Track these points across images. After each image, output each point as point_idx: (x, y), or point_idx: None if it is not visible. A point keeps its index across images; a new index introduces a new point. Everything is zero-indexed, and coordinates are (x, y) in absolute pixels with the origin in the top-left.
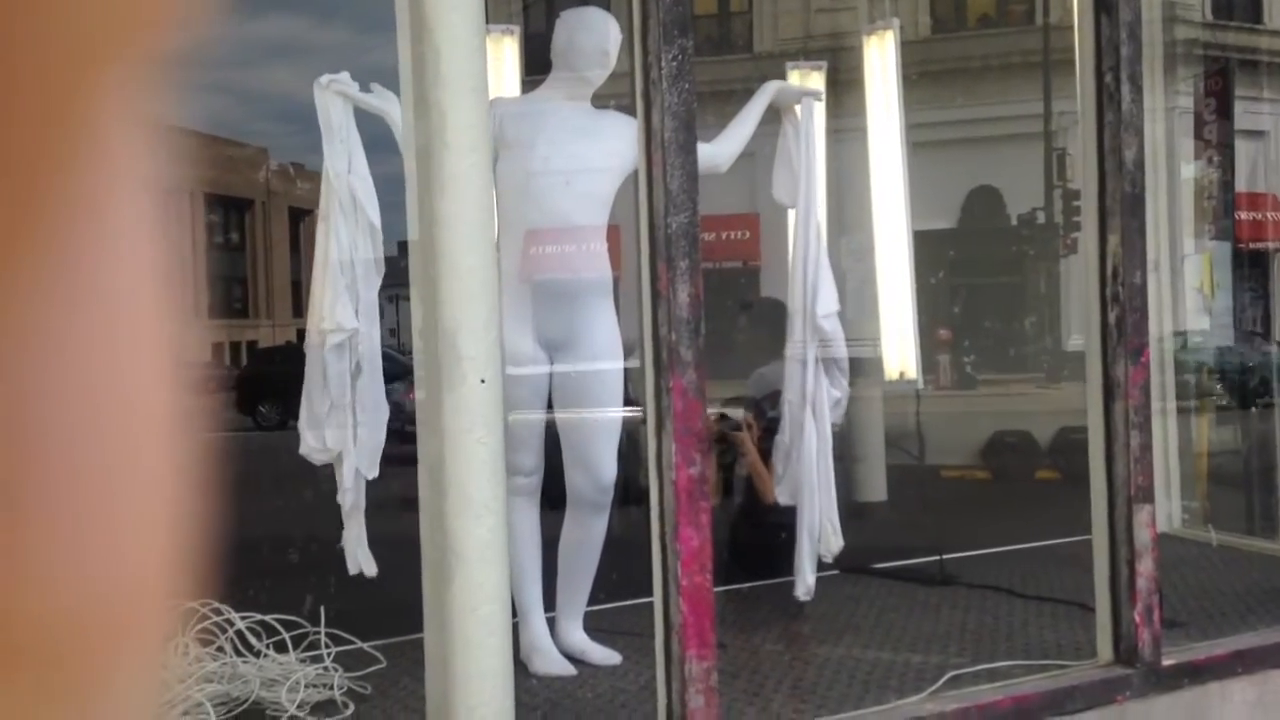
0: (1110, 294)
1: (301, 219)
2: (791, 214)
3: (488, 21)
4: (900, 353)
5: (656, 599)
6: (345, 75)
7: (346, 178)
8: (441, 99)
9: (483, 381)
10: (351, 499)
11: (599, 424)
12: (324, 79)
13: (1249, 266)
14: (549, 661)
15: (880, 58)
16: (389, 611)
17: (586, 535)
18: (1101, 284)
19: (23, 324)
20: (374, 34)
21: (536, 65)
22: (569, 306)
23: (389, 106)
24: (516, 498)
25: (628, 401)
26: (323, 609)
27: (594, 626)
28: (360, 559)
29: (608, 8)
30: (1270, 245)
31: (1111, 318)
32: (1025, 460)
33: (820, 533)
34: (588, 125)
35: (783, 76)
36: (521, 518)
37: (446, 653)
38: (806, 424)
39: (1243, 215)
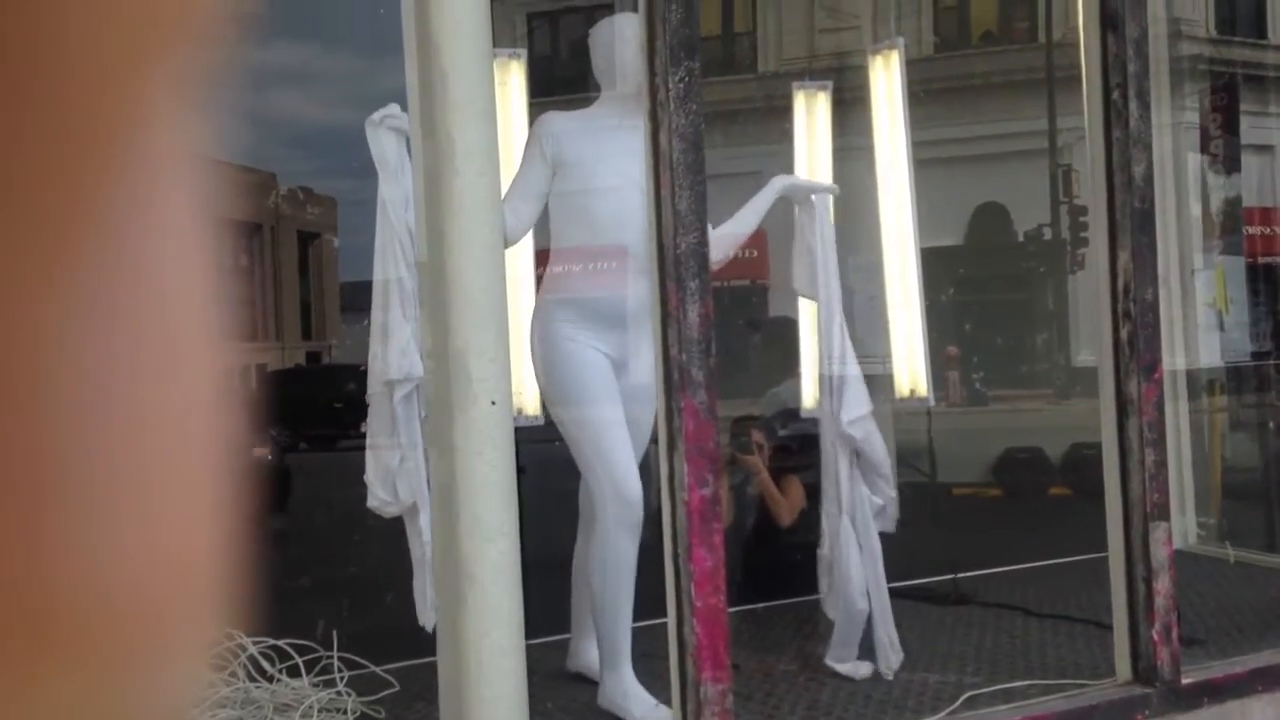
0: (1122, 310)
1: (310, 242)
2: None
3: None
4: (911, 370)
5: (670, 620)
6: (396, 108)
7: (405, 216)
8: (450, 122)
9: (493, 403)
10: (427, 550)
11: (636, 450)
12: (376, 115)
13: (1261, 281)
14: (643, 705)
15: (886, 76)
16: (402, 635)
17: (620, 558)
18: (1113, 300)
19: (72, 317)
20: (381, 59)
21: (540, 88)
22: (622, 325)
23: None
24: (630, 531)
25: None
26: (335, 633)
27: None
28: (432, 610)
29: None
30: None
31: (1124, 334)
32: (1037, 477)
33: (880, 649)
34: (634, 137)
35: (788, 96)
36: (629, 555)
37: (460, 676)
38: (843, 534)
39: (1253, 230)
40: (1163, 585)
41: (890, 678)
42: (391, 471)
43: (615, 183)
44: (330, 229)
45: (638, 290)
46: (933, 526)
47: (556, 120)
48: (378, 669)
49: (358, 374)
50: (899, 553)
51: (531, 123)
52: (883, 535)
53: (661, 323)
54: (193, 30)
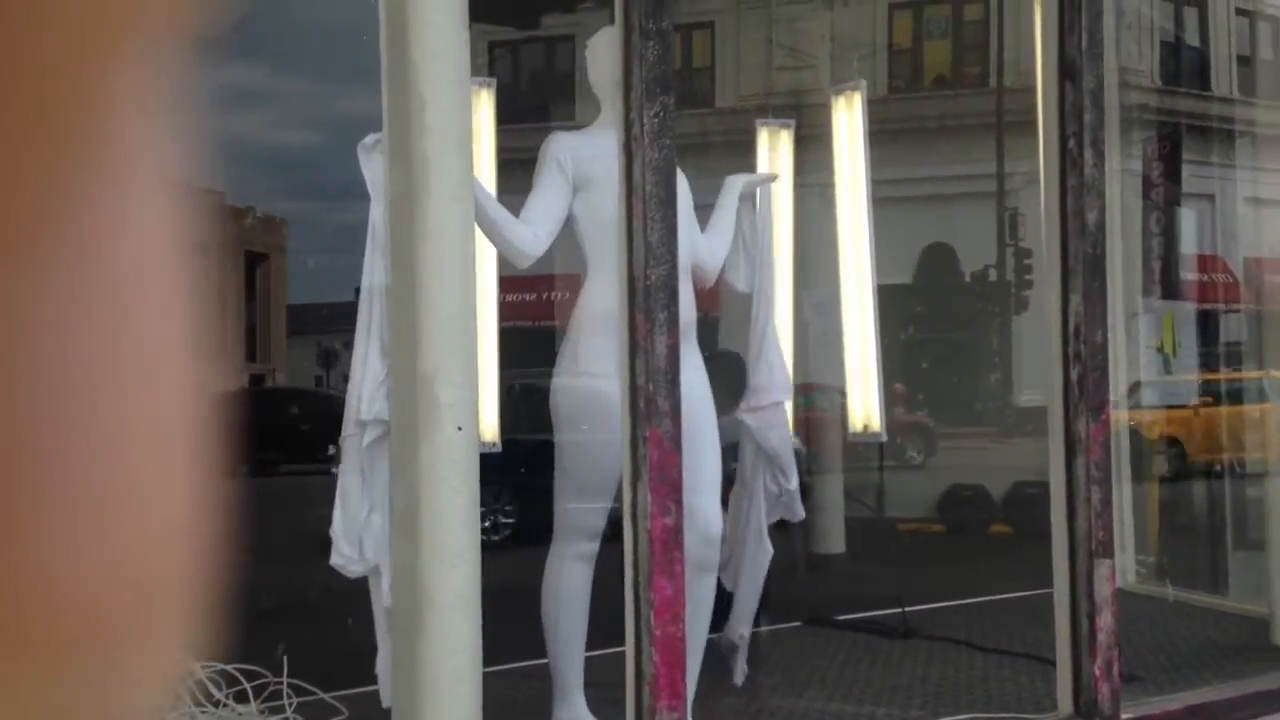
0: (1072, 352)
1: (257, 264)
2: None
3: None
4: (865, 406)
5: (628, 649)
6: None
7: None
8: (426, 148)
9: (460, 429)
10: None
11: (704, 471)
12: (369, 140)
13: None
14: None
15: (848, 117)
16: (350, 661)
17: (695, 600)
18: (1064, 342)
19: (44, 315)
20: (336, 83)
21: (505, 115)
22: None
23: None
24: (575, 564)
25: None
26: (285, 658)
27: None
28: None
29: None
30: (1220, 306)
31: (1073, 375)
32: (980, 514)
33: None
34: None
35: (747, 131)
36: (577, 584)
37: (416, 702)
38: (742, 516)
39: (1191, 277)
40: (1105, 621)
41: (738, 650)
42: (359, 525)
43: None
44: (279, 251)
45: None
46: (878, 560)
47: (571, 140)
48: (326, 695)
49: (301, 398)
50: (846, 585)
51: (500, 150)
52: (829, 567)
53: (629, 353)
54: (159, 38)
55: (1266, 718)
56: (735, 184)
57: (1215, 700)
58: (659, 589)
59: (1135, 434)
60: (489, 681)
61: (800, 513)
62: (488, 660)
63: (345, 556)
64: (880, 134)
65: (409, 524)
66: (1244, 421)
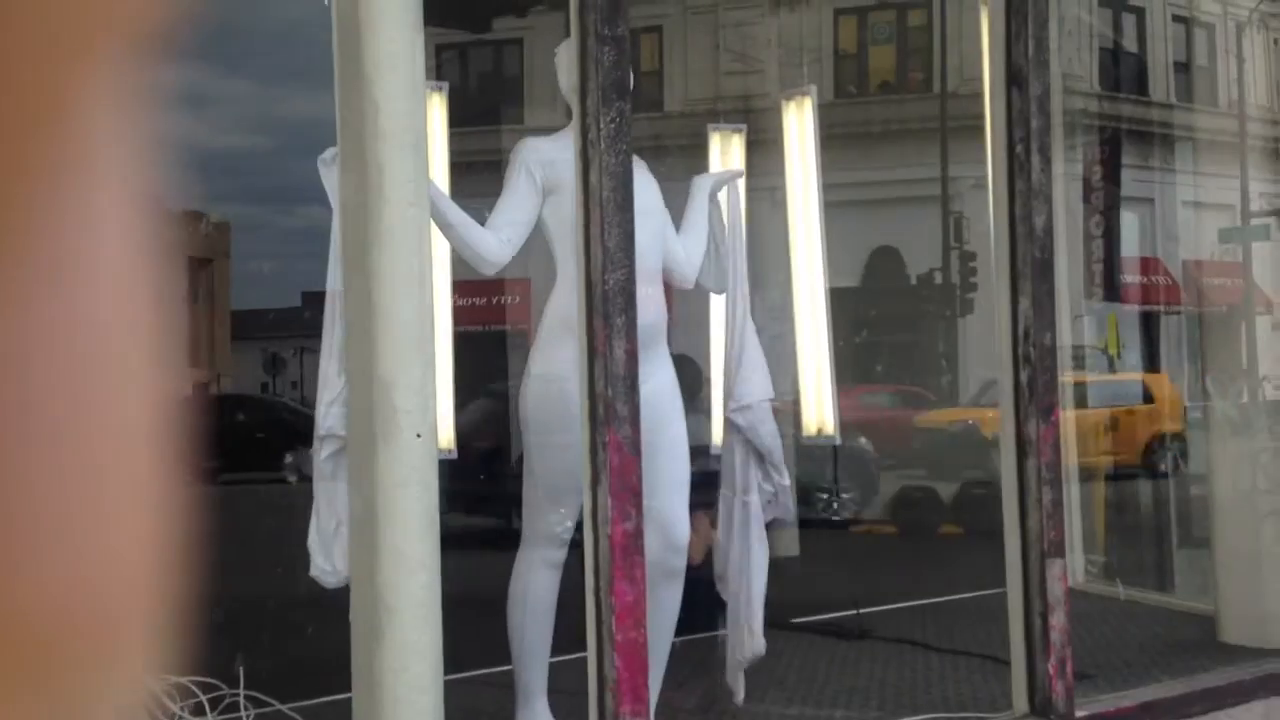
0: (1022, 354)
1: (200, 269)
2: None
3: None
4: (818, 409)
5: (590, 654)
6: None
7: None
8: (380, 153)
9: (418, 436)
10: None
11: (671, 478)
12: (328, 154)
13: (1139, 328)
14: None
15: (799, 121)
16: (308, 672)
17: (661, 608)
18: (1014, 345)
19: (7, 333)
20: (281, 86)
21: (454, 118)
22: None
23: None
24: (543, 570)
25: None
26: (241, 670)
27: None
28: None
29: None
30: (1160, 308)
31: (1023, 377)
32: (930, 515)
33: (739, 636)
34: (638, 173)
35: (697, 135)
36: (544, 590)
37: (375, 712)
38: (735, 521)
39: (1132, 279)
40: (1058, 620)
41: (745, 665)
42: (329, 538)
43: None
44: (223, 255)
45: (648, 312)
46: (832, 563)
47: (542, 146)
48: (284, 707)
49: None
50: (801, 589)
51: (453, 154)
52: (785, 570)
53: (588, 358)
54: (126, 39)
55: (1216, 713)
56: (704, 184)
57: (1166, 697)
58: (620, 594)
59: (977, 432)
60: (450, 689)
61: (792, 511)
62: (449, 669)
63: (319, 569)
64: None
65: (367, 531)
66: (1093, 426)
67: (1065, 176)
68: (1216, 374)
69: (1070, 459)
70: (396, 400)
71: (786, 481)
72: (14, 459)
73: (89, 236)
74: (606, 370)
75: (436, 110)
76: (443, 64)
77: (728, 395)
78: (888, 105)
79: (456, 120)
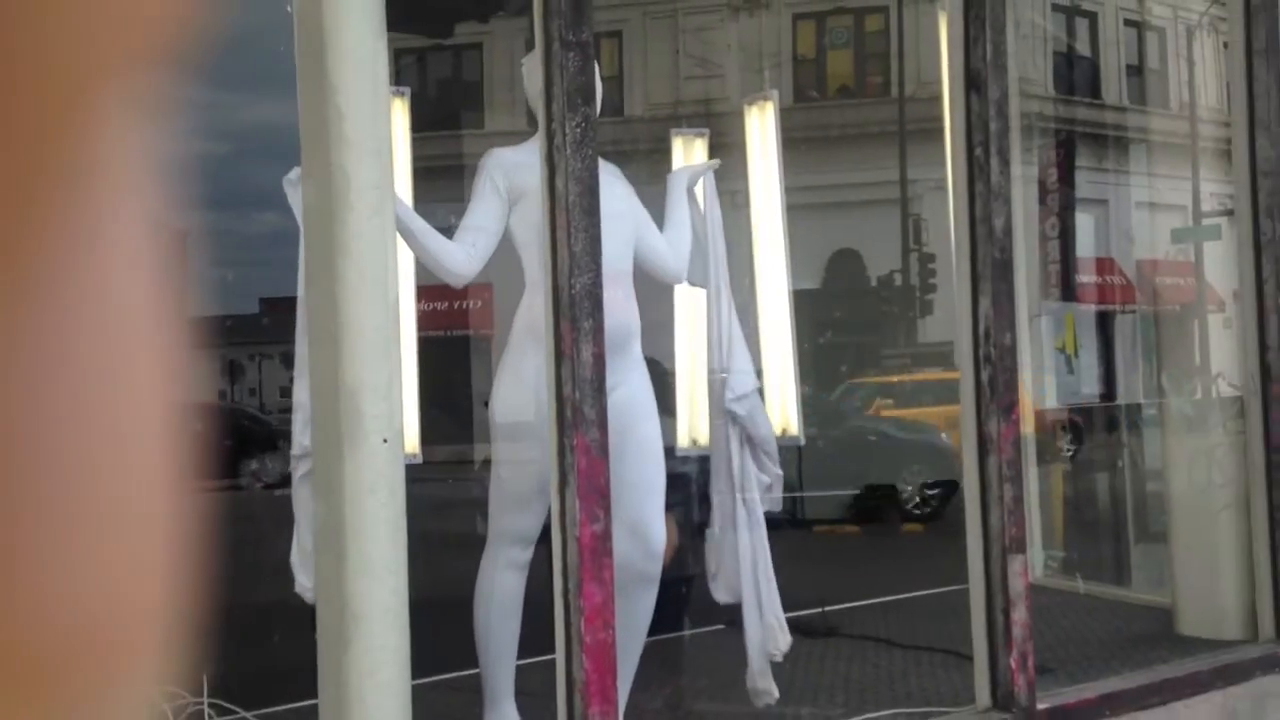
0: (983, 354)
1: None
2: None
3: None
4: (783, 410)
5: (559, 656)
6: None
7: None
8: (345, 160)
9: (385, 441)
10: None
11: (646, 482)
12: (293, 175)
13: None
14: None
15: (761, 126)
16: (274, 679)
17: (634, 612)
18: (974, 345)
19: (18, 340)
20: (238, 93)
21: (412, 124)
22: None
23: None
24: (509, 571)
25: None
26: (204, 676)
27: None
28: None
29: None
30: (1115, 308)
31: (984, 377)
32: (892, 514)
33: (767, 631)
34: (604, 176)
35: (664, 140)
36: (510, 591)
37: (343, 718)
38: (739, 516)
39: (1088, 279)
40: (1020, 615)
41: (779, 659)
42: (310, 556)
43: None
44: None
45: (619, 315)
46: (795, 564)
47: (507, 155)
48: (248, 715)
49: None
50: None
51: (414, 160)
52: None
53: (555, 361)
54: (141, 52)
55: (1174, 704)
56: (681, 179)
57: (1126, 689)
58: (589, 596)
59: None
60: (418, 694)
61: (780, 502)
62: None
63: (302, 585)
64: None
65: (334, 537)
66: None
67: (1022, 179)
68: (1171, 371)
69: (1029, 456)
70: (363, 405)
71: (780, 471)
72: (20, 468)
73: (100, 249)
74: (574, 373)
75: (399, 116)
76: (402, 69)
77: (723, 386)
78: (846, 109)
79: (417, 125)
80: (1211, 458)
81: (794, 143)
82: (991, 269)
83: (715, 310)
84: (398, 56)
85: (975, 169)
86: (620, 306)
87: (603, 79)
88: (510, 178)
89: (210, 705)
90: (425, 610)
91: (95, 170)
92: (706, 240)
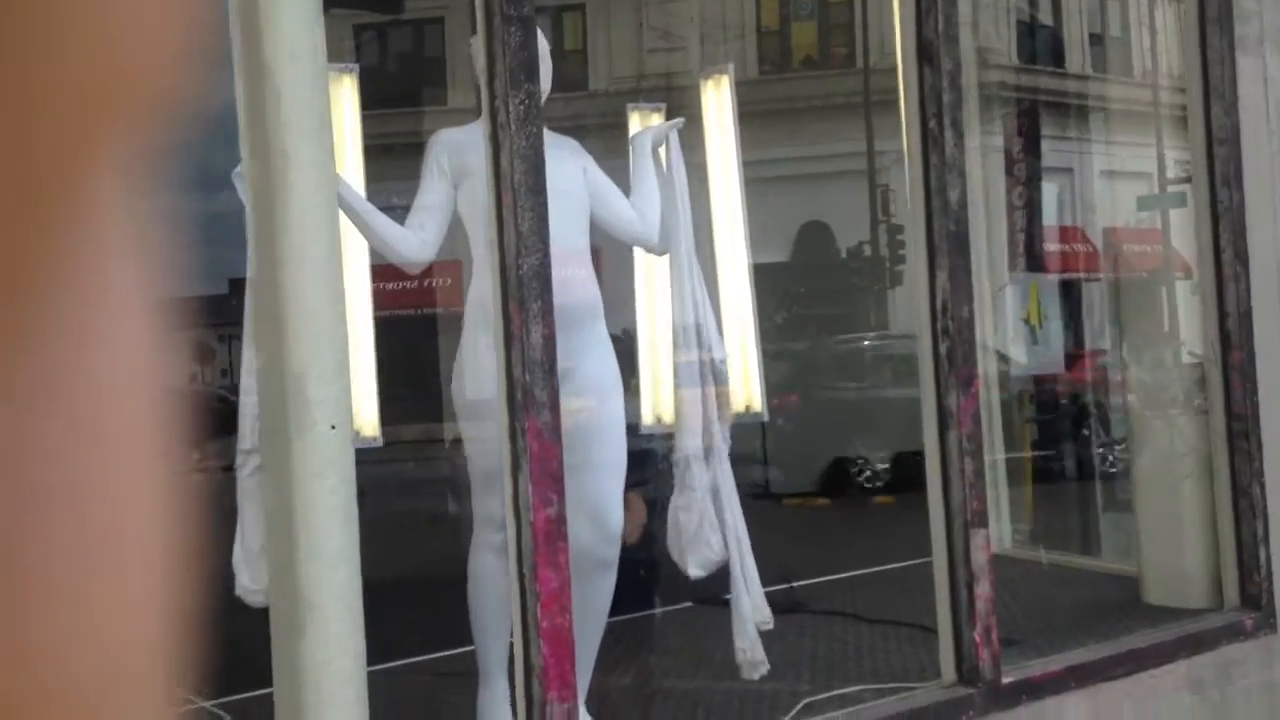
0: (940, 328)
1: None
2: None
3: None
4: (746, 386)
5: (516, 641)
6: None
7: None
8: (285, 141)
9: (333, 427)
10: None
11: (605, 464)
12: (241, 168)
13: (1061, 297)
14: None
15: (717, 100)
16: (233, 666)
17: (593, 596)
18: (932, 318)
19: (19, 396)
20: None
21: (372, 101)
22: (563, 336)
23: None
24: (488, 554)
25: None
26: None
27: (450, 671)
28: None
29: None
30: (1081, 276)
31: (943, 350)
32: (863, 486)
33: (755, 600)
34: (553, 151)
35: (621, 114)
36: (489, 571)
37: (298, 707)
38: (721, 484)
39: (1054, 248)
40: (983, 589)
41: (769, 628)
42: (253, 555)
43: None
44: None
45: (575, 293)
46: (765, 538)
47: (449, 134)
48: (207, 704)
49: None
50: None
51: (368, 136)
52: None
53: (505, 343)
54: (139, 110)
55: (1140, 674)
56: (645, 141)
57: (1091, 660)
58: (544, 581)
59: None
60: (378, 679)
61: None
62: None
63: (244, 588)
64: (752, 115)
65: (283, 525)
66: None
67: (985, 149)
68: (1131, 340)
69: (995, 428)
70: (309, 391)
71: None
72: (22, 526)
73: (103, 312)
74: (524, 356)
75: (347, 93)
76: (361, 44)
77: (708, 349)
78: (812, 81)
79: (376, 102)
80: (1174, 426)
81: (760, 115)
82: (948, 242)
83: (682, 274)
84: (357, 32)
85: (929, 141)
86: (579, 284)
87: (566, 52)
88: (455, 157)
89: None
90: (395, 591)
91: (96, 233)
92: (672, 203)
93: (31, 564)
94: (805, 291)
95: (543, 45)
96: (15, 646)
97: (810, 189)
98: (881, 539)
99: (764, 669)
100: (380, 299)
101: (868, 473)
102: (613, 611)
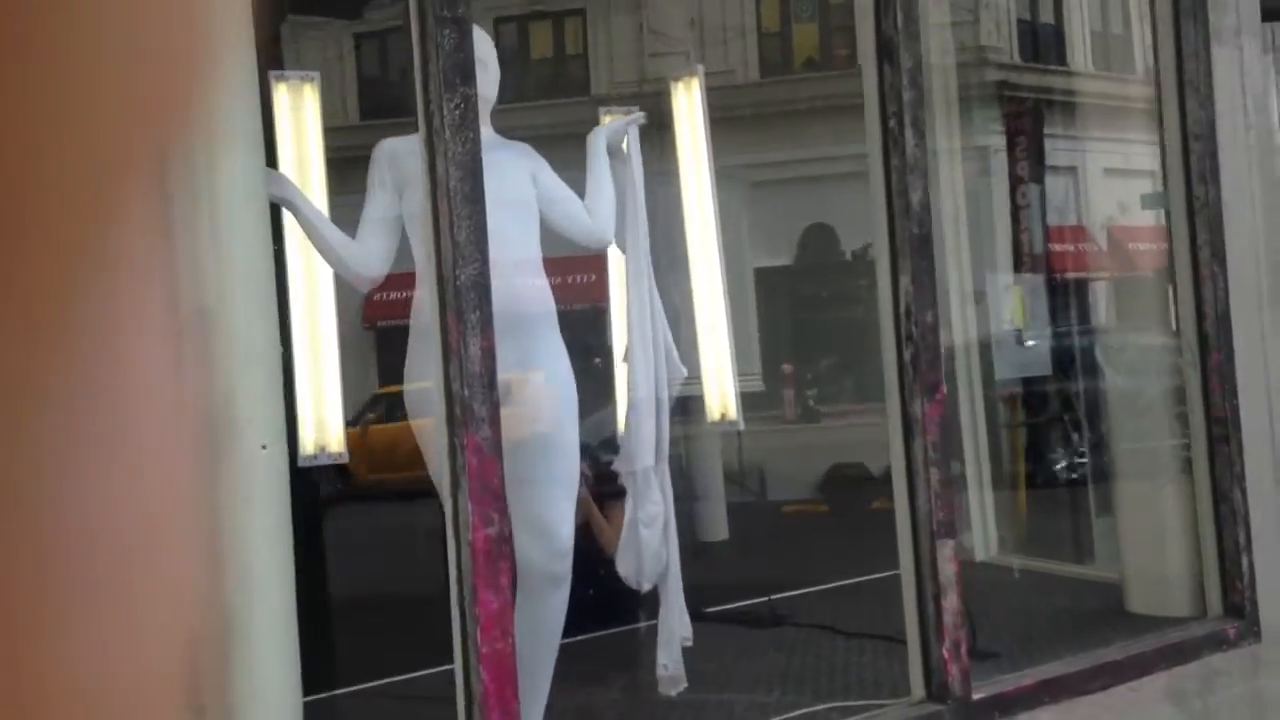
0: (904, 333)
1: None
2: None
3: (303, 67)
4: (720, 394)
5: (457, 667)
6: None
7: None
8: (211, 150)
9: (264, 447)
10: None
11: (554, 478)
12: None
13: (1069, 295)
14: None
15: (688, 103)
16: None
17: (544, 614)
18: (896, 323)
19: (43, 447)
20: None
21: (373, 111)
22: (511, 344)
23: (284, 191)
24: None
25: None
26: None
27: (402, 694)
28: None
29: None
30: (1087, 275)
31: (907, 356)
32: (862, 491)
33: (680, 615)
34: (498, 154)
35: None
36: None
37: None
38: (667, 493)
39: (1058, 248)
40: (951, 602)
41: (690, 643)
42: None
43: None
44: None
45: (524, 301)
46: (761, 545)
47: (391, 143)
48: None
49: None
50: (725, 574)
51: (358, 147)
52: (713, 555)
53: (443, 357)
54: (173, 121)
55: (1117, 687)
56: (599, 139)
57: (1067, 674)
58: (484, 604)
59: None
60: (334, 705)
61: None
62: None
63: None
64: (755, 118)
65: (209, 549)
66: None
67: (990, 149)
68: (1105, 340)
69: (980, 432)
70: (235, 410)
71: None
72: (43, 566)
73: (134, 338)
74: (462, 369)
75: (309, 102)
76: (362, 53)
77: (667, 348)
78: (814, 82)
79: (377, 112)
80: (1154, 431)
81: (763, 118)
82: (910, 245)
83: (640, 275)
84: (356, 39)
85: (889, 141)
86: (531, 291)
87: (568, 58)
88: (395, 167)
89: None
90: (393, 606)
91: (126, 262)
92: (625, 204)
93: (48, 597)
94: (806, 292)
95: (487, 50)
96: (33, 672)
97: (813, 191)
98: (879, 545)
99: (683, 685)
100: (368, 311)
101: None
102: (599, 625)
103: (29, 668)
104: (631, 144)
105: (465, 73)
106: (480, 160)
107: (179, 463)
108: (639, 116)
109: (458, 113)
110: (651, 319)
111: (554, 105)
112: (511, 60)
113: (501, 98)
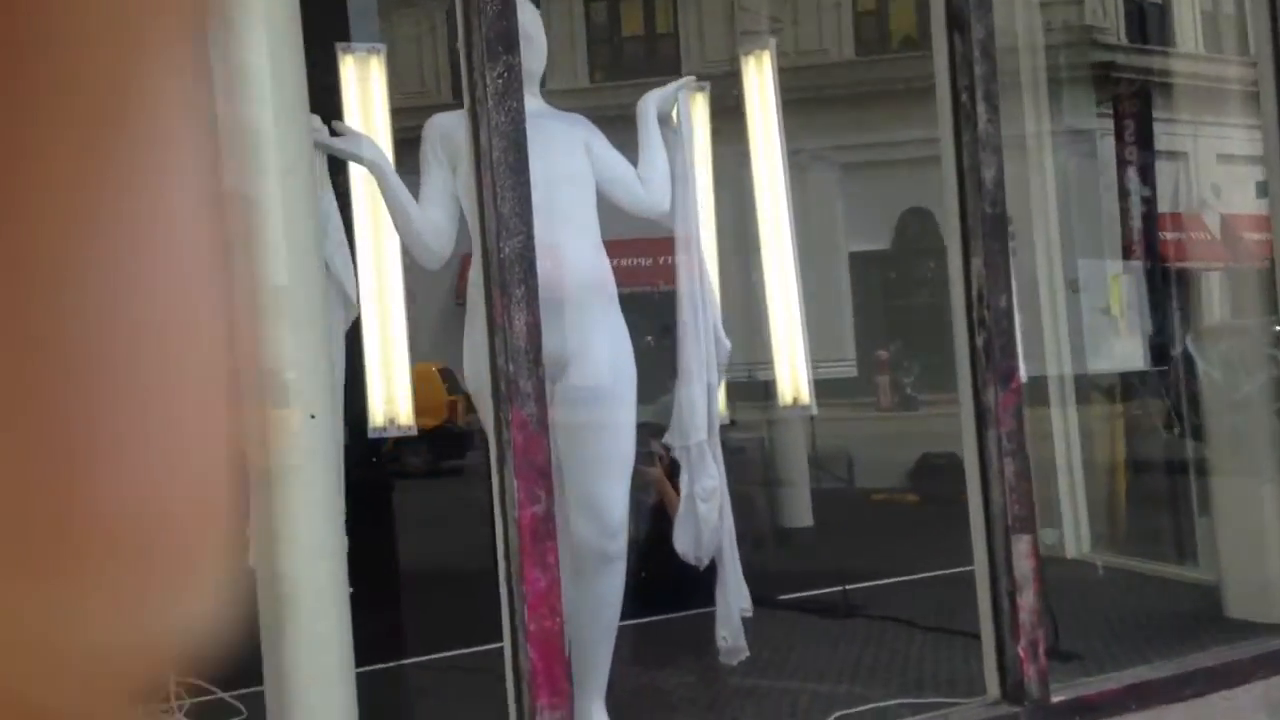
0: (977, 318)
1: None
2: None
3: (352, 40)
4: (793, 379)
5: (506, 645)
6: (317, 120)
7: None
8: (258, 117)
9: (313, 417)
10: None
11: (610, 457)
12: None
13: (1175, 286)
14: None
15: (759, 79)
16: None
17: (599, 594)
18: (968, 308)
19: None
20: None
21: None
22: (567, 319)
23: (362, 150)
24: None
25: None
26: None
27: (461, 666)
28: None
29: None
30: (1197, 265)
31: (979, 342)
32: (951, 482)
33: (739, 586)
34: (549, 125)
35: (722, 99)
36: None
37: (285, 707)
38: (720, 467)
39: (1168, 235)
40: (1027, 600)
41: (750, 614)
42: None
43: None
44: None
45: (583, 276)
46: (847, 533)
47: (441, 119)
48: (225, 695)
49: None
50: (807, 559)
51: (393, 118)
52: (797, 541)
53: (489, 331)
54: (186, 17)
55: (1211, 695)
56: (649, 106)
57: (1156, 679)
58: (531, 581)
59: None
60: (379, 678)
61: None
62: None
63: None
64: (851, 98)
65: (263, 519)
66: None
67: (1095, 133)
68: (1196, 332)
69: (1071, 424)
70: (286, 379)
71: None
72: (94, 366)
73: (163, 228)
74: (506, 344)
75: (375, 75)
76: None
77: (713, 328)
78: (912, 62)
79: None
80: (1252, 426)
81: (860, 98)
82: (983, 225)
83: (690, 247)
84: (448, 15)
85: (961, 116)
86: (585, 262)
87: (658, 37)
88: (447, 142)
89: (186, 684)
90: (457, 581)
91: (153, 149)
92: (680, 172)
93: (104, 412)
94: (897, 278)
95: (533, 20)
96: (100, 482)
97: (913, 175)
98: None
99: (744, 655)
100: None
101: None
102: (671, 608)
103: (74, 494)
104: (682, 111)
105: (509, 41)
106: (524, 130)
107: (214, 328)
108: (689, 80)
109: (500, 81)
110: (702, 292)
111: (645, 84)
112: (602, 39)
113: (592, 77)
